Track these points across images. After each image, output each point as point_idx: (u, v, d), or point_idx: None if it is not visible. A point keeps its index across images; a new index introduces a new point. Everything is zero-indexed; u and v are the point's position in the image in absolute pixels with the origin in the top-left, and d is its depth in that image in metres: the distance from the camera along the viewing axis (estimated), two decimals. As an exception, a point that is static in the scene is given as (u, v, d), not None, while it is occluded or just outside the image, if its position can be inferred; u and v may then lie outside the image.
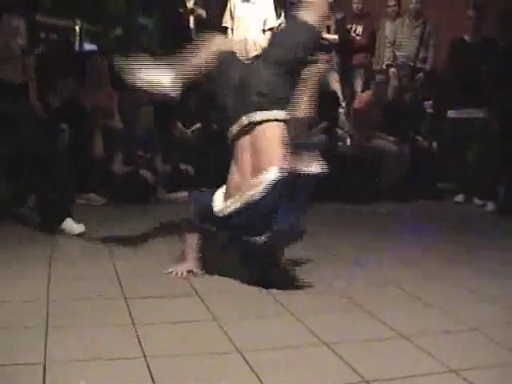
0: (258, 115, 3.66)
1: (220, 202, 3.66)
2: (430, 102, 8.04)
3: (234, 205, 3.58)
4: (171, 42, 8.20)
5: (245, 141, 3.69)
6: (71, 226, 4.85)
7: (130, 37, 9.53)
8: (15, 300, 3.26)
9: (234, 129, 3.71)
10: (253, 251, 3.60)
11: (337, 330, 2.95)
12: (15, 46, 4.93)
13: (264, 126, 3.65)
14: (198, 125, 7.23)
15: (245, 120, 3.67)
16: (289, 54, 3.75)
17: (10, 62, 4.92)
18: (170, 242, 4.52)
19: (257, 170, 3.56)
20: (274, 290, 3.53)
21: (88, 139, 6.41)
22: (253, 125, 3.66)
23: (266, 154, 3.57)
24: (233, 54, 3.93)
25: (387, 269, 4.11)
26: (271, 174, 3.46)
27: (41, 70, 7.09)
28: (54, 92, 6.52)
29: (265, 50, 4.12)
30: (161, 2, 8.85)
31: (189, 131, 7.21)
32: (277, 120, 3.67)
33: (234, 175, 3.69)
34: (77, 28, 9.08)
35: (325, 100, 7.06)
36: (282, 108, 3.71)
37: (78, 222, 4.88)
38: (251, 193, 3.50)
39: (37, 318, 2.96)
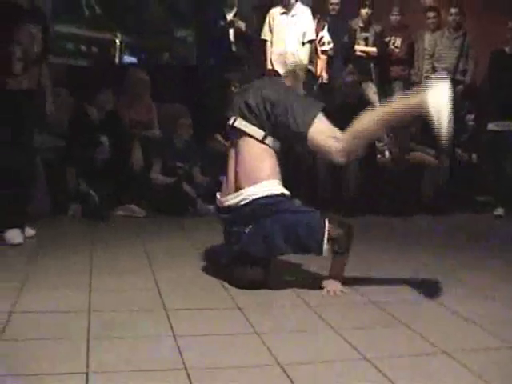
0: (237, 121, 3.82)
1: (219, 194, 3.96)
2: (472, 116, 7.96)
3: (221, 202, 3.90)
4: (211, 54, 8.30)
5: (235, 147, 3.89)
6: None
7: (169, 49, 9.61)
8: (57, 310, 3.29)
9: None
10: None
11: (377, 345, 2.93)
12: (33, 53, 5.01)
13: (245, 138, 3.80)
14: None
15: (230, 121, 3.86)
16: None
17: (29, 68, 4.99)
18: (210, 255, 4.54)
19: (237, 179, 3.79)
20: (313, 303, 3.52)
21: (127, 151, 6.47)
22: (237, 132, 3.83)
23: (248, 167, 3.77)
24: None
25: (430, 284, 4.07)
26: (256, 190, 3.68)
27: (82, 82, 7.23)
28: (94, 105, 6.59)
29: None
30: (201, 15, 8.93)
31: (228, 143, 7.22)
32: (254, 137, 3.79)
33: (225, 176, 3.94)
34: (117, 41, 9.17)
35: (363, 112, 7.08)
36: (257, 126, 3.80)
37: (118, 233, 4.91)
38: (236, 199, 3.74)
39: (78, 329, 2.99)
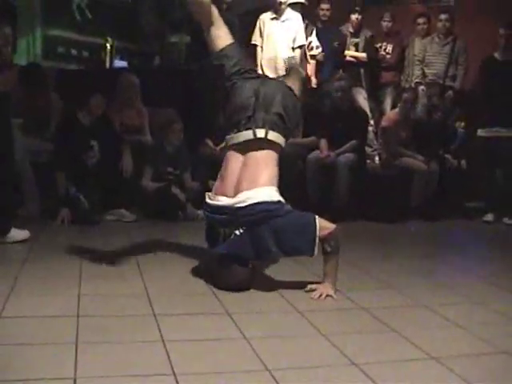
0: (270, 134, 3.83)
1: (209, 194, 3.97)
2: (462, 123, 7.99)
3: (214, 202, 3.87)
4: (202, 58, 8.28)
5: (240, 150, 3.87)
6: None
7: (162, 54, 9.60)
8: (45, 315, 3.28)
9: (240, 137, 3.87)
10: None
11: (366, 350, 2.93)
12: (7, 54, 4.99)
13: (261, 144, 3.83)
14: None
15: (255, 133, 3.83)
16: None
17: (3, 70, 4.98)
18: (200, 259, 4.53)
19: (240, 182, 3.77)
20: (302, 308, 3.52)
21: (117, 156, 6.46)
22: (255, 139, 3.83)
23: (252, 171, 3.78)
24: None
25: (419, 290, 4.08)
26: (254, 195, 3.68)
27: (72, 86, 7.21)
28: (85, 109, 6.57)
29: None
30: (192, 20, 8.92)
31: (218, 148, 7.22)
32: (274, 143, 3.86)
33: (220, 178, 3.95)
34: (108, 45, 9.16)
35: (353, 118, 7.11)
36: (282, 134, 3.89)
37: (108, 238, 4.90)
38: (232, 201, 3.74)
39: (67, 334, 2.98)
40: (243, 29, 7.95)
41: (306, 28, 8.19)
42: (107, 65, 9.18)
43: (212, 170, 6.97)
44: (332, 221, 6.32)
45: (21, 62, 7.55)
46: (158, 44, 9.61)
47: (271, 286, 3.96)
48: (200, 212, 6.36)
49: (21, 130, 6.05)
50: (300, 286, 3.94)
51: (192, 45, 8.78)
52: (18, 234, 5.11)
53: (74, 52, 9.15)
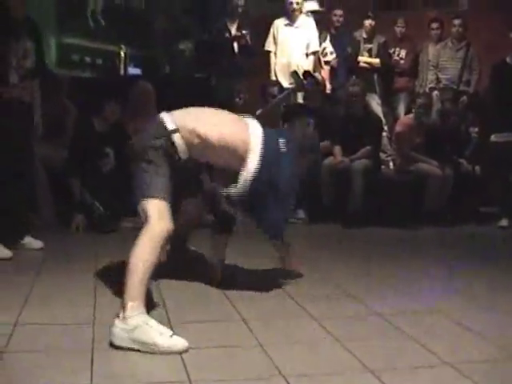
0: None
1: None
2: (475, 128, 7.96)
3: None
4: (216, 66, 8.33)
5: None
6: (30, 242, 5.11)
7: (172, 61, 9.64)
8: (61, 323, 3.31)
9: None
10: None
11: (381, 356, 2.93)
12: (26, 67, 5.05)
13: None
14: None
15: None
16: None
17: (22, 82, 5.03)
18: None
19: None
20: (316, 314, 3.53)
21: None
22: None
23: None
24: None
25: (433, 296, 4.07)
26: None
27: (87, 93, 7.25)
28: (100, 116, 6.60)
29: None
30: (204, 28, 8.98)
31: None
32: None
33: None
34: (122, 53, 9.21)
35: (367, 123, 7.10)
36: None
37: (124, 245, 4.90)
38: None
39: (83, 341, 3.01)
40: (257, 35, 8.01)
41: (321, 34, 8.20)
42: (121, 72, 9.22)
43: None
44: (346, 226, 6.41)
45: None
46: (167, 51, 9.65)
47: (285, 291, 3.97)
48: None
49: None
50: (314, 291, 3.95)
51: (198, 52, 8.85)
52: (32, 242, 5.15)
53: (87, 59, 9.19)
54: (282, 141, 3.74)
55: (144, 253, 3.19)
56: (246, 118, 3.87)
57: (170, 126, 3.55)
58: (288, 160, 3.70)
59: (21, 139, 5.08)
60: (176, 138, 3.54)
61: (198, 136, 3.57)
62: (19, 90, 5.01)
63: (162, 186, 3.41)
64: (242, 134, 3.70)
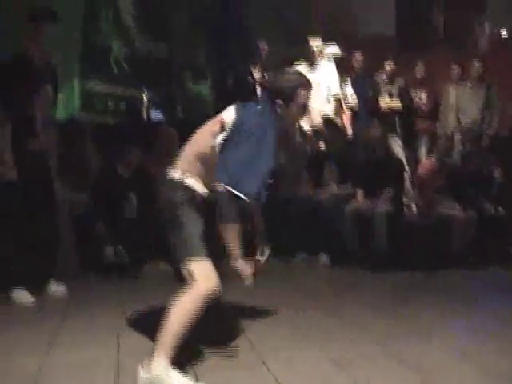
0: None
1: None
2: (498, 169, 7.93)
3: None
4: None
5: None
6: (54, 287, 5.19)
7: (194, 105, 9.71)
8: (86, 366, 3.36)
9: None
10: None
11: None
12: (49, 115, 5.14)
13: None
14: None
15: None
16: None
17: (45, 132, 5.13)
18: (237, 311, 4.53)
19: None
20: (341, 360, 3.49)
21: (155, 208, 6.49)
22: None
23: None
24: None
25: (464, 342, 4.01)
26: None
27: (109, 139, 7.32)
28: (122, 161, 6.66)
29: None
30: (228, 72, 9.05)
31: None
32: None
33: None
34: (144, 97, 9.30)
35: (389, 167, 7.10)
36: None
37: (148, 291, 4.92)
38: None
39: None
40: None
41: (342, 78, 8.26)
42: (144, 117, 9.31)
43: (247, 212, 7.06)
44: (370, 270, 6.36)
45: (59, 115, 7.69)
46: (189, 95, 9.73)
47: (309, 338, 3.95)
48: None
49: (59, 183, 6.13)
50: (338, 335, 3.93)
51: (220, 96, 8.92)
52: (55, 287, 5.18)
53: (110, 104, 9.28)
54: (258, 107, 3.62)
55: (184, 313, 3.19)
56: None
57: (178, 175, 3.53)
58: (267, 121, 3.51)
59: (43, 185, 5.14)
60: (188, 181, 3.51)
61: (192, 162, 3.54)
62: (44, 139, 5.08)
63: (201, 244, 3.38)
64: (213, 126, 3.60)
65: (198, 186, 3.53)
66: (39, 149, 5.07)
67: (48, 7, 5.38)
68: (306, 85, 3.60)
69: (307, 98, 3.60)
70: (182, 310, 3.18)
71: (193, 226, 3.42)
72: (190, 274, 3.28)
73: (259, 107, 3.60)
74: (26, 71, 4.97)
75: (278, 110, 3.53)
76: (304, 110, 3.65)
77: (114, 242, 6.17)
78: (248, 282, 3.65)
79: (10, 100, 4.89)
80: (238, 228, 3.51)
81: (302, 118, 3.81)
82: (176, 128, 7.14)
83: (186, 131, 7.50)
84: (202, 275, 3.26)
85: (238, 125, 3.48)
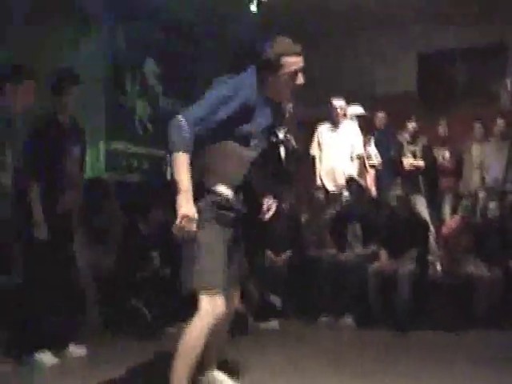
0: None
1: None
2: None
3: None
4: (262, 171, 8.42)
5: None
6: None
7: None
8: None
9: None
10: None
11: None
12: (75, 174, 5.22)
13: None
14: (289, 252, 7.28)
15: None
16: None
17: (71, 193, 5.17)
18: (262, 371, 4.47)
19: None
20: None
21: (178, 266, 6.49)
22: None
23: None
24: None
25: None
26: None
27: (133, 197, 7.37)
28: (145, 219, 6.69)
29: None
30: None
31: (280, 258, 7.24)
32: None
33: None
34: (168, 157, 9.35)
35: (413, 226, 7.07)
36: None
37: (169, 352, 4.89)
38: None
39: None
40: (302, 141, 8.10)
41: (365, 137, 8.29)
42: (168, 176, 9.36)
43: (272, 281, 7.03)
44: (394, 329, 6.29)
45: (86, 176, 7.76)
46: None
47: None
48: (262, 324, 6.34)
49: (82, 243, 6.16)
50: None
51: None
52: (76, 350, 5.16)
53: (134, 164, 9.36)
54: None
55: (191, 341, 3.24)
56: None
57: (215, 186, 3.43)
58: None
59: (65, 245, 5.18)
60: (218, 188, 3.43)
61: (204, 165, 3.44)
62: (71, 199, 5.13)
63: (220, 274, 3.34)
64: None
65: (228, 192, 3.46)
66: (66, 209, 5.12)
67: (70, 70, 5.46)
68: (290, 51, 3.42)
69: (297, 65, 3.43)
70: (187, 342, 3.23)
71: (215, 251, 3.35)
72: (199, 303, 3.27)
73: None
74: (56, 134, 5.04)
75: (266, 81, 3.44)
76: (294, 78, 3.46)
77: (136, 301, 6.16)
78: None
79: (40, 162, 4.95)
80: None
81: (294, 87, 3.52)
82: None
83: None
84: (209, 308, 3.27)
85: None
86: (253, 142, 3.50)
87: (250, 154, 3.53)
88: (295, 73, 3.43)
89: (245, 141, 3.46)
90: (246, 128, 3.42)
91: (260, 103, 3.45)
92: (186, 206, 3.17)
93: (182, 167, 3.21)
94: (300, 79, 3.47)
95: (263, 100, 3.48)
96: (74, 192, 5.19)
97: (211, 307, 3.27)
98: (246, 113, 3.38)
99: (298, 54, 3.43)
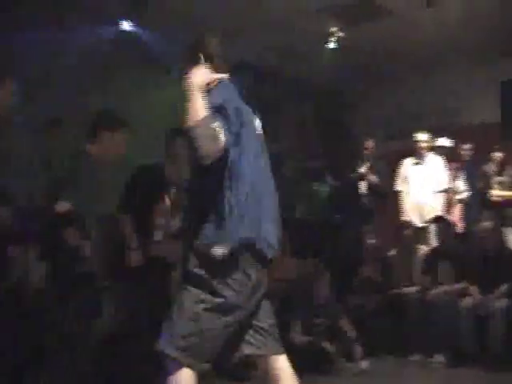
0: None
1: None
2: None
3: None
4: (343, 206, 8.45)
5: None
6: None
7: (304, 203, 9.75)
8: None
9: None
10: None
11: None
12: (176, 227, 5.21)
13: None
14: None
15: None
16: None
17: (167, 241, 5.17)
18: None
19: None
20: None
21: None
22: None
23: None
24: None
25: None
26: None
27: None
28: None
29: None
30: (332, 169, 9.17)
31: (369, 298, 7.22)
32: None
33: None
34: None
35: (505, 260, 6.89)
36: None
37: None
38: None
39: None
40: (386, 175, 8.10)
41: (452, 171, 8.21)
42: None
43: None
44: (487, 370, 6.10)
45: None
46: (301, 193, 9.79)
47: None
48: (351, 365, 6.27)
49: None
50: None
51: (333, 195, 8.98)
52: None
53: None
54: None
55: None
56: None
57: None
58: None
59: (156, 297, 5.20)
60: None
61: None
62: (164, 248, 5.17)
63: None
64: None
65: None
66: (160, 258, 5.15)
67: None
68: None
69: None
70: None
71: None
72: (169, 371, 2.80)
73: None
74: (154, 183, 5.12)
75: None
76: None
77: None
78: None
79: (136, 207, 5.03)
80: None
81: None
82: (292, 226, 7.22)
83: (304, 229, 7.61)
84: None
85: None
86: None
87: None
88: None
89: None
90: None
91: None
92: None
93: None
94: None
95: None
96: (175, 244, 5.22)
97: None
98: None
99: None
